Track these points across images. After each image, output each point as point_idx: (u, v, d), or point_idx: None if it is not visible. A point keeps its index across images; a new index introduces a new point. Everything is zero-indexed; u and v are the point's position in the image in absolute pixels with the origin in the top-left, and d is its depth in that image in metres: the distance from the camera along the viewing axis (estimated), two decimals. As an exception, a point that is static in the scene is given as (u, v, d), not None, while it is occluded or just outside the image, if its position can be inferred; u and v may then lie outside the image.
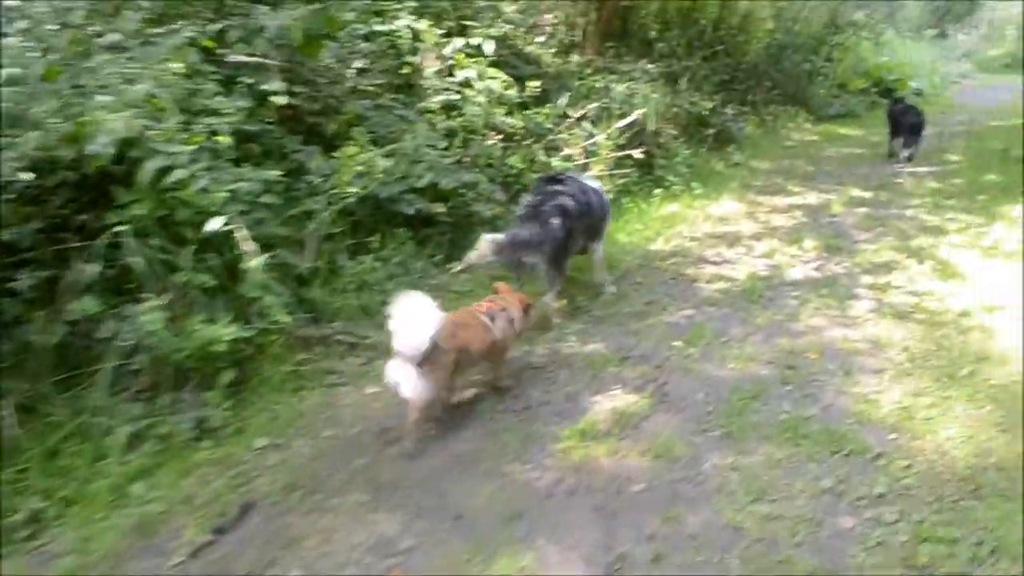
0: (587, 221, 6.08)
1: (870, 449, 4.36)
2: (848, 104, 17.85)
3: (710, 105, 11.38)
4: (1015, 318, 6.17)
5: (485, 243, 5.42)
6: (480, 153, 6.97)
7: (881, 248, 7.82)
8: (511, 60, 8.40)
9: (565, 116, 8.02)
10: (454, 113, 7.20)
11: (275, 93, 5.66)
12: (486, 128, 7.23)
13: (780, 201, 9.65)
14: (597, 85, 9.22)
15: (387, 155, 5.91)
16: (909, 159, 12.33)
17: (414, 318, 4.06)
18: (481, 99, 7.21)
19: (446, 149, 6.95)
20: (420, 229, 6.30)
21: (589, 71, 10.16)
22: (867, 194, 10.12)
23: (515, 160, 7.23)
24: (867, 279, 6.99)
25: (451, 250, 6.39)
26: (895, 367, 5.32)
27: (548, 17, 10.11)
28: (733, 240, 7.96)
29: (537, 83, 7.63)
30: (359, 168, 5.85)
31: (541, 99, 8.22)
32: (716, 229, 8.35)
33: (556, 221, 5.58)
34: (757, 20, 17.65)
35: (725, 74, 14.57)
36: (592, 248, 6.34)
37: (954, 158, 12.67)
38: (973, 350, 5.61)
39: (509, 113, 7.47)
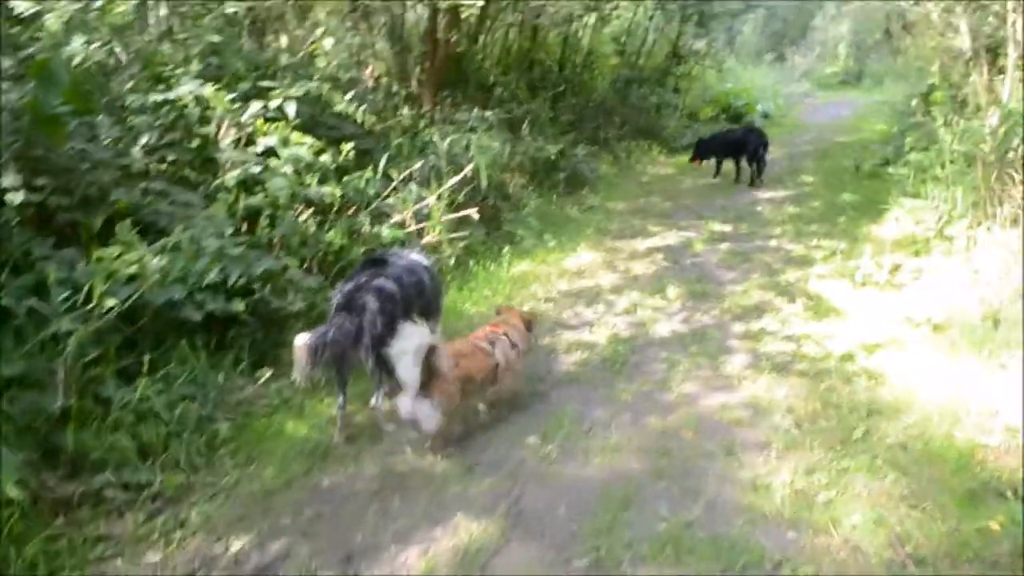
0: (420, 303, 5.20)
1: (768, 557, 3.61)
2: (700, 133, 17.61)
3: (556, 148, 10.70)
4: (898, 356, 5.62)
5: (299, 347, 4.45)
6: (290, 232, 5.98)
7: (749, 288, 7.23)
8: (328, 121, 7.46)
9: (390, 178, 7.12)
10: (257, 188, 6.19)
11: (8, 190, 4.55)
12: (296, 202, 6.25)
13: (639, 244, 9.01)
14: (433, 139, 8.38)
15: (159, 251, 4.85)
16: (759, 182, 12.28)
17: (412, 348, 4.29)
18: (287, 169, 6.23)
19: (249, 232, 5.95)
20: (219, 333, 5.23)
21: (423, 124, 9.35)
22: (727, 227, 9.63)
23: (333, 235, 6.26)
24: (738, 327, 6.34)
25: (259, 354, 5.36)
26: (782, 437, 4.60)
27: (369, 70, 9.25)
28: (592, 297, 7.20)
29: (350, 144, 6.69)
30: (131, 270, 4.77)
31: (365, 162, 7.31)
32: (573, 285, 7.59)
33: (374, 307, 4.66)
34: (602, 56, 17.40)
35: (572, 114, 14.08)
36: (430, 331, 5.45)
37: (808, 179, 12.48)
38: (862, 402, 4.99)
39: (323, 182, 6.52)
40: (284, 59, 7.52)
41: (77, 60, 5.09)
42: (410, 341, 4.35)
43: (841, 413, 4.84)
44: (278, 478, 4.41)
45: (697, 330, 6.33)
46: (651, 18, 17.65)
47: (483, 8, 12.12)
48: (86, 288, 4.47)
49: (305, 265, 6.22)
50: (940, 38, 9.91)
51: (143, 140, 6.26)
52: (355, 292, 4.74)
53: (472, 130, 9.43)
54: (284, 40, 8.54)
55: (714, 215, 10.28)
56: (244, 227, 6.14)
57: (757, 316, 6.55)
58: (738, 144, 12.46)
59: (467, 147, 8.20)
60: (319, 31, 8.10)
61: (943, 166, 8.70)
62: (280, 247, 6.05)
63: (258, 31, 8.09)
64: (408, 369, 4.34)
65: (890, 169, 10.38)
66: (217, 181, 6.11)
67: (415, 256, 5.46)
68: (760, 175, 12.35)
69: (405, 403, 4.44)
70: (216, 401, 4.86)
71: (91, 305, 4.46)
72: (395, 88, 9.77)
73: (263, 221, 6.07)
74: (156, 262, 4.80)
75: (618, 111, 15.74)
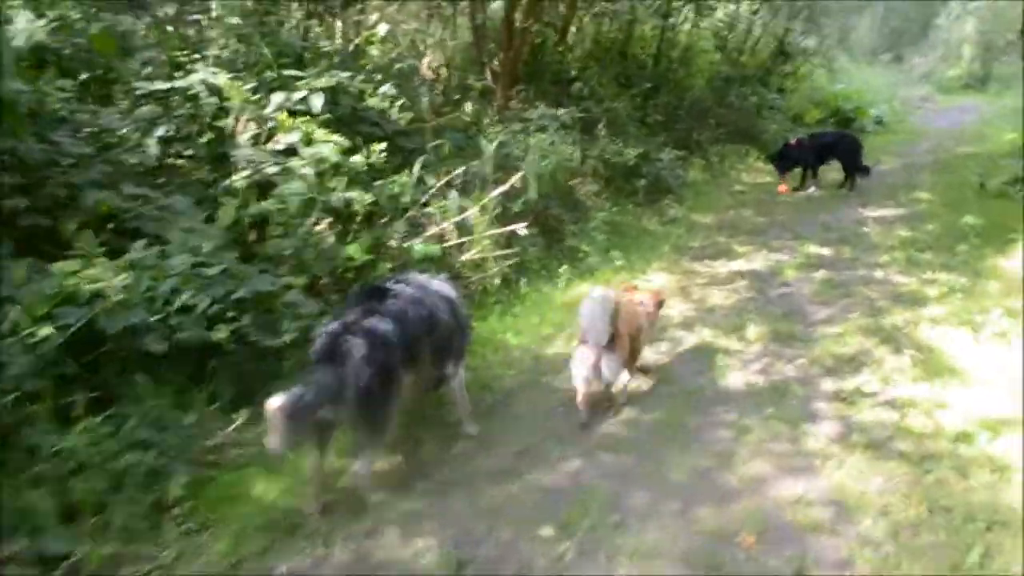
0: (432, 341, 4.31)
1: None
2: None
3: (637, 152, 9.61)
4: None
5: (272, 412, 3.55)
6: (300, 245, 5.17)
7: (846, 331, 6.07)
8: (370, 116, 6.62)
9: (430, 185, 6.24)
10: (274, 192, 5.42)
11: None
12: (314, 209, 5.45)
13: (721, 268, 7.91)
14: (481, 141, 7.42)
15: (123, 268, 4.10)
16: (851, 188, 11.72)
17: (600, 311, 4.56)
18: (307, 171, 5.44)
19: (258, 242, 5.21)
20: (196, 365, 4.45)
21: (487, 121, 8.47)
22: (826, 250, 8.41)
23: (354, 250, 5.43)
24: (828, 384, 5.23)
25: (243, 389, 4.56)
26: (871, 554, 3.53)
27: (427, 60, 8.39)
28: (658, 332, 6.18)
29: (382, 145, 5.82)
30: (91, 288, 4.05)
31: (411, 164, 6.45)
32: (636, 315, 6.58)
33: (360, 354, 3.78)
34: (701, 52, 16.19)
35: (663, 114, 12.98)
36: (448, 376, 4.55)
37: (924, 196, 11.04)
38: (981, 505, 3.86)
39: (353, 186, 5.70)
40: (327, 46, 6.71)
41: (22, 40, 4.36)
42: (599, 301, 4.60)
43: (953, 522, 3.72)
44: (229, 555, 3.60)
45: (778, 384, 5.24)
46: (756, 12, 16.31)
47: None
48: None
49: (322, 282, 5.44)
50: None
51: (158, 133, 5.59)
52: (339, 336, 3.87)
53: (542, 129, 8.52)
54: (339, 26, 7.76)
55: (812, 235, 9.06)
56: (253, 237, 5.40)
57: (853, 370, 5.41)
58: (830, 148, 11.74)
59: (526, 151, 7.28)
60: (374, 16, 7.30)
61: (1092, 192, 7.35)
62: (290, 262, 5.26)
63: (306, 15, 7.33)
64: (599, 333, 4.56)
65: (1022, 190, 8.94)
66: (226, 183, 5.36)
67: (434, 283, 4.57)
68: (853, 183, 11.71)
69: (584, 355, 4.63)
70: (178, 449, 4.08)
71: (28, 330, 3.75)
72: (456, 81, 8.88)
73: (273, 230, 5.31)
74: (119, 280, 4.06)
75: (714, 112, 14.55)
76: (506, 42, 10.13)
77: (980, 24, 30.75)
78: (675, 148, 12.18)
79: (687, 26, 15.11)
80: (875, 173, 12.51)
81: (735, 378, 5.37)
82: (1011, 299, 6.47)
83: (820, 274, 7.58)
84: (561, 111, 8.84)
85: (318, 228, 5.43)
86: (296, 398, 3.59)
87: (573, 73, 11.07)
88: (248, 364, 4.60)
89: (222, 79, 5.50)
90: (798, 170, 11.87)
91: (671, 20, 14.31)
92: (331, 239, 5.46)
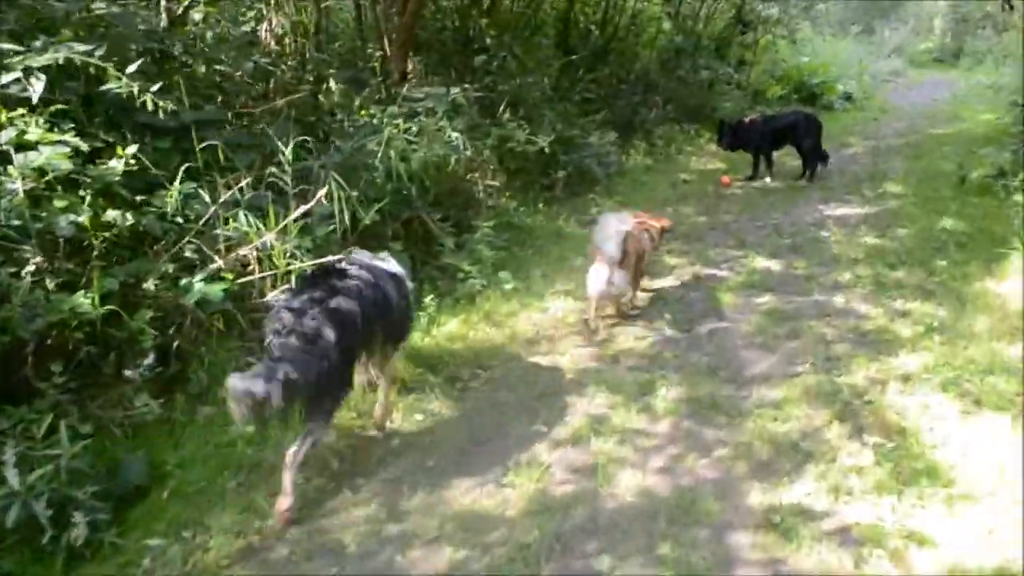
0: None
1: None
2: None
3: (548, 139, 7.83)
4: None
5: (237, 393, 3.16)
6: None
7: (789, 397, 4.49)
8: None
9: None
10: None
11: None
12: (29, 240, 3.77)
13: (640, 290, 6.29)
14: (296, 138, 5.60)
15: None
16: (811, 178, 10.10)
17: (614, 231, 5.21)
18: (16, 185, 3.74)
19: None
20: None
21: (358, 103, 6.77)
22: (776, 264, 6.82)
23: (83, 298, 3.77)
24: (756, 496, 3.65)
25: None
26: None
27: (265, 26, 6.58)
28: (536, 399, 4.58)
29: (133, 148, 4.12)
30: None
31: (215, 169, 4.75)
32: (512, 367, 4.96)
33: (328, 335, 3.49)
34: (651, 19, 14.49)
35: (602, 89, 11.30)
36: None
37: (895, 189, 9.49)
38: None
39: (104, 204, 4.02)
40: (103, 8, 4.94)
41: None
42: (614, 223, 5.30)
43: None
44: None
45: (684, 493, 3.66)
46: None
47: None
48: None
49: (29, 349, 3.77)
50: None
51: None
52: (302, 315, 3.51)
53: (430, 113, 6.85)
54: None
55: (760, 241, 7.49)
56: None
57: (794, 467, 3.83)
58: (788, 131, 10.10)
59: (387, 142, 5.60)
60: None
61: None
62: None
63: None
64: (612, 249, 5.14)
65: (1012, 186, 7.41)
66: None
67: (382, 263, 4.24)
68: (812, 170, 10.12)
69: (603, 273, 5.20)
70: None
71: None
72: (316, 52, 7.10)
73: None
74: None
75: (662, 87, 12.89)
76: (401, 3, 8.41)
77: (954, -6, 29.48)
78: (615, 129, 10.55)
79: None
80: (841, 158, 11.03)
81: (626, 482, 3.78)
82: (1006, 343, 4.95)
83: (765, 300, 5.99)
84: (455, 90, 7.14)
85: (28, 268, 3.75)
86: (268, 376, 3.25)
87: (488, 41, 9.30)
88: None
89: None
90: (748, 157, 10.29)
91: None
92: (49, 284, 3.78)
